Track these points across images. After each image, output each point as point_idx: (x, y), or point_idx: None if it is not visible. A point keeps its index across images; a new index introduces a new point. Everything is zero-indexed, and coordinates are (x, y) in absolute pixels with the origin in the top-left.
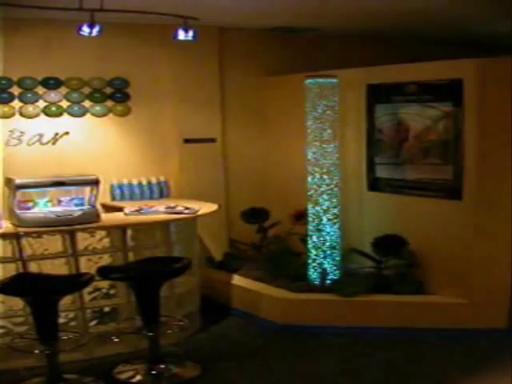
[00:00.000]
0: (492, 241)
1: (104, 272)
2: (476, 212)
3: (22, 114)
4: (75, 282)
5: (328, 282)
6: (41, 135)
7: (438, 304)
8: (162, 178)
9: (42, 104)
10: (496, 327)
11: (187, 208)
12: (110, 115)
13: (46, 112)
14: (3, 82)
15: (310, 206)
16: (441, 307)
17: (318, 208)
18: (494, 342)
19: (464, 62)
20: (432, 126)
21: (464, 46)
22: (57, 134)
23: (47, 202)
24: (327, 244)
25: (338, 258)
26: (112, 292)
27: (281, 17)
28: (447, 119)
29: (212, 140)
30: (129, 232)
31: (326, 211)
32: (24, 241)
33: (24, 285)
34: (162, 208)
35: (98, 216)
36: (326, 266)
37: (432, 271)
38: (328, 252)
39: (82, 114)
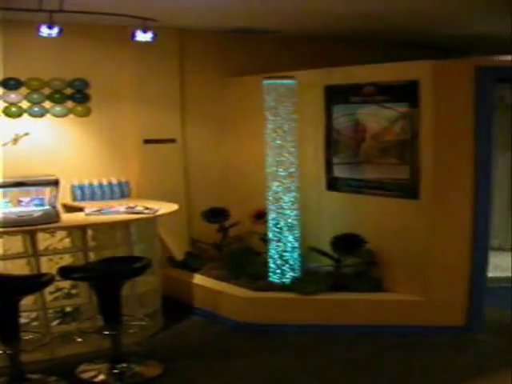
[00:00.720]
0: (448, 239)
1: (65, 272)
2: (432, 211)
3: None
4: (36, 283)
5: (288, 280)
6: (1, 136)
7: (396, 301)
8: (122, 179)
9: (1, 105)
10: (453, 324)
11: (147, 208)
12: (71, 116)
13: (6, 113)
14: None
15: (269, 206)
16: (399, 304)
17: (277, 207)
18: (452, 339)
19: (420, 64)
20: (389, 126)
21: (422, 48)
22: (17, 134)
23: (7, 202)
24: (287, 243)
25: (297, 257)
26: (73, 292)
27: (240, 18)
28: (404, 120)
29: (172, 140)
30: (89, 232)
31: (285, 210)
32: None
33: None
34: (122, 208)
35: (58, 216)
36: (285, 264)
37: (390, 269)
38: (288, 251)
39: (43, 115)
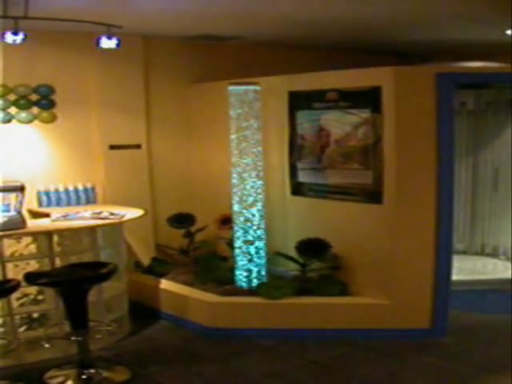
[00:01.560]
0: (411, 242)
1: (31, 278)
2: (396, 215)
3: None
4: (2, 289)
5: (254, 285)
6: None
7: (362, 305)
8: (88, 185)
9: None
10: (419, 327)
11: (113, 214)
12: (36, 122)
13: None
14: None
15: (235, 211)
16: (364, 308)
17: (243, 212)
18: (417, 342)
19: (382, 70)
20: (352, 131)
21: (384, 55)
22: None
23: None
24: (253, 248)
25: (263, 262)
26: (40, 298)
27: (204, 25)
28: (366, 125)
29: (137, 146)
30: (55, 238)
31: (251, 215)
32: None
33: None
34: (88, 214)
35: (23, 222)
36: (251, 269)
37: (355, 273)
38: (254, 256)
39: (8, 121)
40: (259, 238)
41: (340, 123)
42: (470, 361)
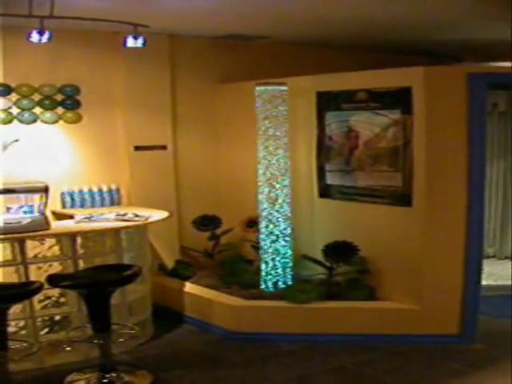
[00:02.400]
0: (441, 246)
1: (54, 280)
2: (425, 218)
3: None
4: (24, 291)
5: (280, 289)
6: None
7: (390, 310)
8: (112, 186)
9: None
10: (447, 333)
11: (137, 215)
12: (61, 122)
13: None
14: None
15: (261, 213)
16: (392, 313)
17: (269, 214)
18: (446, 348)
19: (413, 70)
20: (381, 133)
21: (414, 54)
22: (6, 141)
23: None
24: (279, 251)
25: (290, 265)
26: (62, 300)
27: (231, 24)
28: (396, 126)
29: (163, 147)
30: (79, 240)
31: (277, 218)
32: None
33: None
34: (112, 215)
35: (47, 223)
36: (277, 273)
37: (383, 277)
38: (280, 259)
39: (33, 121)
40: (285, 241)
41: (369, 124)
42: (498, 368)
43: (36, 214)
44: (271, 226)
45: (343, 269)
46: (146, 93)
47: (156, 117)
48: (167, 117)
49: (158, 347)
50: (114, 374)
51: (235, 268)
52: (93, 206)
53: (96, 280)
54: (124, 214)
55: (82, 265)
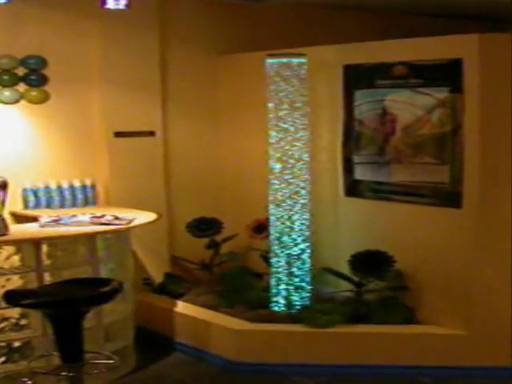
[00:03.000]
0: (497, 258)
1: (12, 297)
2: (478, 223)
3: None
4: None
5: (296, 309)
6: None
7: (432, 336)
8: (87, 181)
9: None
10: (499, 364)
11: (118, 218)
12: (23, 102)
13: None
14: None
15: (272, 215)
16: (435, 339)
17: (283, 217)
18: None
19: (464, 38)
20: (425, 116)
21: (467, 19)
22: None
23: None
24: (295, 262)
25: (307, 280)
26: (23, 322)
27: None
28: (443, 108)
29: (150, 133)
30: (44, 247)
31: (293, 221)
32: None
33: None
34: (86, 218)
35: (5, 227)
36: (293, 289)
37: (424, 296)
38: (296, 272)
39: None
40: (303, 249)
41: (409, 105)
42: None
43: None
44: (285, 231)
45: (375, 285)
46: (130, 66)
47: (142, 96)
48: (156, 96)
49: (142, 381)
50: None
51: (239, 283)
52: (62, 206)
53: (65, 298)
54: (101, 216)
55: (48, 279)
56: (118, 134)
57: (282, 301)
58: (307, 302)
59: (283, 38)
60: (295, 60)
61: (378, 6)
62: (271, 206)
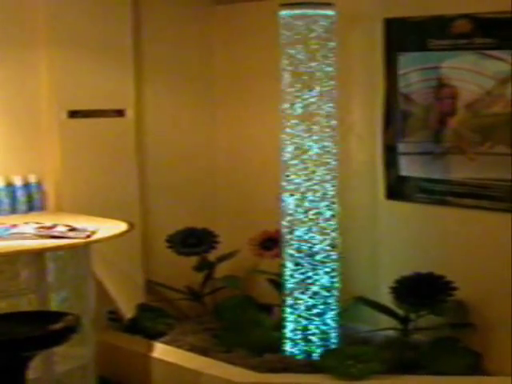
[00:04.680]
0: None
1: None
2: None
3: None
4: None
5: (318, 354)
6: None
7: None
8: (31, 178)
9: None
10: None
11: (74, 229)
12: None
13: None
14: None
15: (285, 226)
16: None
17: (301, 227)
18: None
19: None
20: (496, 89)
21: None
22: None
23: None
24: (317, 290)
25: (335, 314)
26: None
27: None
28: None
29: (118, 113)
30: None
31: (315, 233)
32: None
33: None
34: (30, 228)
35: None
36: (313, 328)
37: (495, 336)
38: (319, 303)
39: None
40: (328, 273)
41: (475, 74)
42: None
43: None
44: (303, 246)
45: (427, 320)
46: (89, 22)
47: (106, 63)
48: (125, 62)
49: None
50: None
51: (240, 318)
52: None
53: (0, 339)
54: (51, 227)
55: None
56: (72, 114)
57: (299, 342)
58: (334, 345)
59: None
60: (319, 12)
61: None
62: (284, 215)
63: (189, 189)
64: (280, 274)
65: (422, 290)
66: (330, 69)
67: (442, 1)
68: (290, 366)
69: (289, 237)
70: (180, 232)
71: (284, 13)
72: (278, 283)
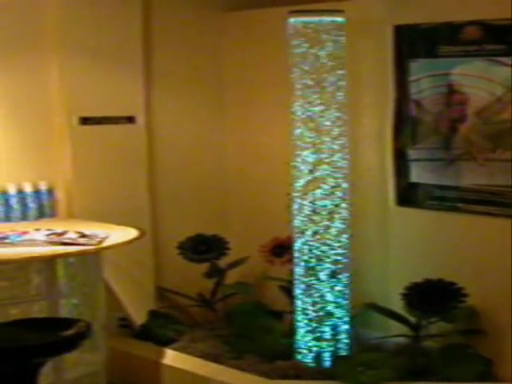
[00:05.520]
0: None
1: None
2: None
3: None
4: None
5: (329, 361)
6: None
7: None
8: (42, 185)
9: None
10: None
11: (85, 235)
12: None
13: None
14: None
15: (296, 232)
16: None
17: (311, 234)
18: None
19: None
20: (506, 95)
21: None
22: None
23: None
24: (328, 296)
25: (346, 321)
26: None
27: None
28: None
29: (129, 120)
30: None
31: (326, 239)
32: None
33: None
34: (41, 235)
35: None
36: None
37: (506, 342)
38: (330, 310)
39: None
40: (339, 279)
41: (485, 81)
42: None
43: None
44: (314, 252)
45: (438, 327)
46: (101, 30)
47: (117, 70)
48: (136, 69)
49: None
50: None
51: (251, 325)
52: (8, 219)
53: (12, 345)
54: (62, 234)
55: None
56: (84, 121)
57: (311, 349)
58: (345, 352)
59: None
60: (328, 19)
61: None
62: (295, 221)
63: (199, 195)
64: (291, 281)
65: (432, 297)
66: (339, 76)
67: (451, 7)
68: (301, 372)
69: (299, 243)
70: (191, 239)
71: (293, 20)
72: (288, 290)
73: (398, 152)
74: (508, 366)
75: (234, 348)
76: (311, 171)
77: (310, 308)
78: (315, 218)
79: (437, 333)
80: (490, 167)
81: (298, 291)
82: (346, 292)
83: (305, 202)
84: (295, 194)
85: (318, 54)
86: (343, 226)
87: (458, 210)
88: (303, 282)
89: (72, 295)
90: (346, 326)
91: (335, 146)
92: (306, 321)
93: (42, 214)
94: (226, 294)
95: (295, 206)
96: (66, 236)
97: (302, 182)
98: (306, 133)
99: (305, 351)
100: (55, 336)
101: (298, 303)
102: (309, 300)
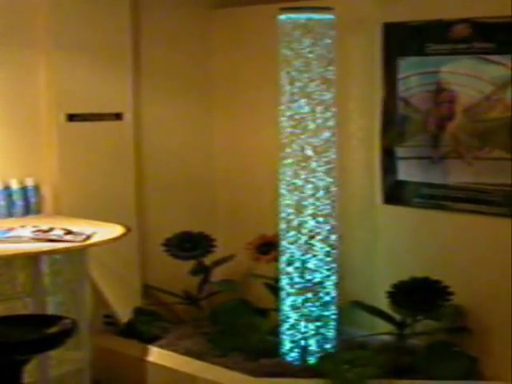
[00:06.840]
0: None
1: None
2: None
3: None
4: None
5: (313, 359)
6: None
7: None
8: (28, 182)
9: None
10: None
11: (71, 232)
12: None
13: None
14: None
15: (283, 230)
16: None
17: (298, 232)
18: None
19: None
20: (495, 93)
21: None
22: None
23: None
24: (314, 294)
25: (332, 319)
26: None
27: None
28: None
29: (116, 116)
30: None
31: (311, 238)
32: None
33: None
34: (27, 232)
35: None
36: (309, 332)
37: (491, 341)
38: (316, 307)
39: None
40: (326, 277)
41: (474, 79)
42: None
43: None
44: (301, 250)
45: (424, 325)
46: (89, 27)
47: (105, 66)
48: (124, 66)
49: None
50: None
51: (236, 322)
52: None
53: None
54: (47, 230)
55: None
56: (71, 118)
57: (296, 347)
58: (331, 349)
59: None
60: (318, 16)
61: None
62: (281, 219)
63: (186, 192)
64: (276, 279)
65: (418, 295)
66: (328, 73)
67: (441, 5)
68: (286, 370)
69: (286, 241)
70: (176, 236)
71: (282, 17)
72: (274, 287)
73: (385, 150)
74: (493, 364)
75: (219, 345)
76: (298, 170)
77: (296, 305)
78: (301, 215)
79: (422, 331)
80: (478, 165)
81: (283, 289)
82: (333, 289)
83: (291, 200)
84: (281, 193)
85: (307, 51)
86: (330, 224)
87: (445, 208)
88: (289, 279)
89: (57, 292)
90: (332, 324)
91: (323, 144)
92: (292, 317)
93: (28, 211)
94: (211, 291)
95: (282, 204)
96: (52, 233)
97: (287, 180)
98: (293, 131)
99: (291, 349)
100: (40, 333)
101: (285, 301)
102: (295, 297)
